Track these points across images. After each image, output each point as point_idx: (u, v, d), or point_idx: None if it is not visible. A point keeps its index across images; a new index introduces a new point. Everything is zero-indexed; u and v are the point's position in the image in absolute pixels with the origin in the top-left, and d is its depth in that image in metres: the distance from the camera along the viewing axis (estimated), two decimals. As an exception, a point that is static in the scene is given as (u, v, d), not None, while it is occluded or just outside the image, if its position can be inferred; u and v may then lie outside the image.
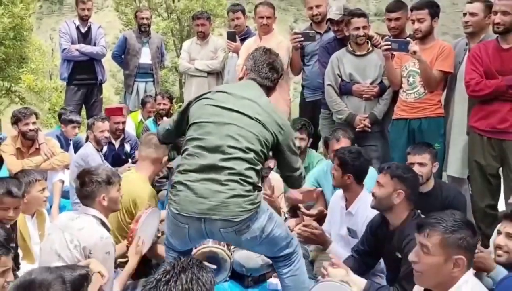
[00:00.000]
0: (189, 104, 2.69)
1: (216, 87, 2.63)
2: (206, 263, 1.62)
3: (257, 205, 2.44)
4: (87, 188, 2.72)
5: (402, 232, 2.61)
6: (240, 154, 2.43)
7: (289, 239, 2.62)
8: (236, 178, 2.39)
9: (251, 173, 2.45)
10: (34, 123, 4.43)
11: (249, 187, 2.42)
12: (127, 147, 5.34)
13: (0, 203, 2.87)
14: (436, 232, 1.93)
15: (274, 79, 2.73)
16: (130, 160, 5.16)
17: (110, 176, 2.78)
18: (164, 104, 5.76)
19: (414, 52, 3.79)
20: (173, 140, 3.07)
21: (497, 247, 2.58)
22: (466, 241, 1.90)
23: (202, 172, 2.42)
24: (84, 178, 2.74)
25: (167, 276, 1.47)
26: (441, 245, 1.92)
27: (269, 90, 2.74)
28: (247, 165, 2.43)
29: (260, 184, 2.57)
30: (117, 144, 5.31)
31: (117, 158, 5.19)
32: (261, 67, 2.69)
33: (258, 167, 2.50)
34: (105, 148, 5.04)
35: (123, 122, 5.28)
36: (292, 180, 2.82)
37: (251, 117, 2.50)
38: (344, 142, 3.79)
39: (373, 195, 2.77)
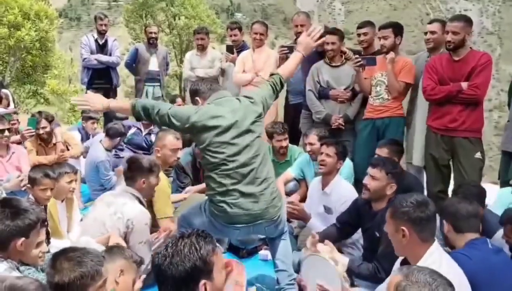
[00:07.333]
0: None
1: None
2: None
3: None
4: (131, 171, 2.72)
5: (382, 216, 2.51)
6: None
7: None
8: None
9: None
10: (44, 127, 4.18)
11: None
12: (153, 137, 5.10)
13: (40, 185, 2.84)
14: (391, 208, 2.04)
15: None
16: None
17: (152, 165, 2.75)
18: None
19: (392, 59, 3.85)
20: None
21: None
22: (407, 214, 1.95)
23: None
24: (130, 163, 2.75)
25: (172, 242, 1.48)
26: (391, 217, 2.02)
27: None
28: None
29: None
30: (144, 132, 5.19)
31: (139, 144, 5.07)
32: None
33: None
34: (133, 129, 4.90)
35: None
36: None
37: None
38: (312, 138, 3.80)
39: (366, 186, 2.69)
